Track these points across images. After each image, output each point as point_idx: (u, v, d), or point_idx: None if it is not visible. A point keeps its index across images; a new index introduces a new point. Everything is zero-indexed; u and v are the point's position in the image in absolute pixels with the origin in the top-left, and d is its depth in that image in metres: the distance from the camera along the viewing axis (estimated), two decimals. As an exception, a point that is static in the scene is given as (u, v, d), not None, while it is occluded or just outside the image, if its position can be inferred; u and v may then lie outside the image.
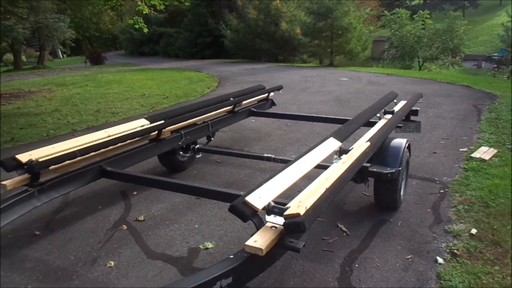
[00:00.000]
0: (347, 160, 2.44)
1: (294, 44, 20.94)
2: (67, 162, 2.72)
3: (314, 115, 5.06)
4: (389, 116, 3.67)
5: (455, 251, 2.57)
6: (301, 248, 1.71)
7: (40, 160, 2.58)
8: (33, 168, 2.52)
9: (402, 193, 3.21)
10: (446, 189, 3.56)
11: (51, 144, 2.89)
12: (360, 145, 2.75)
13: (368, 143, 2.74)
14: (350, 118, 3.71)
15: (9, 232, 3.02)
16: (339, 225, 2.94)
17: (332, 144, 2.70)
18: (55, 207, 3.46)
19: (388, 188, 3.00)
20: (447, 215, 3.08)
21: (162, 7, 10.38)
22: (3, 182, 2.48)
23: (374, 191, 3.11)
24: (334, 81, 11.44)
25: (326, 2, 17.18)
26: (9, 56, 29.11)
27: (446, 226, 2.90)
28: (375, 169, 2.80)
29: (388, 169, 2.83)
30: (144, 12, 10.69)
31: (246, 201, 1.82)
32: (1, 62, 32.34)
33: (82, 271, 2.47)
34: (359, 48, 18.70)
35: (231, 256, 1.69)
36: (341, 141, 2.80)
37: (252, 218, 1.82)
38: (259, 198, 1.87)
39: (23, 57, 29.18)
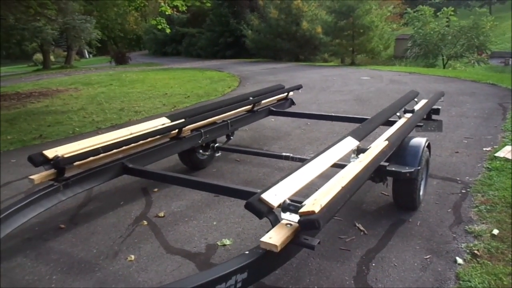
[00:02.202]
0: (364, 159, 2.44)
1: (315, 43, 20.84)
2: (91, 158, 2.82)
3: (333, 114, 5.04)
4: (409, 115, 3.64)
5: (476, 251, 2.53)
6: (316, 245, 1.72)
7: (66, 156, 2.68)
8: (59, 163, 2.62)
9: (421, 192, 3.18)
10: (468, 189, 3.50)
11: (77, 141, 3.00)
12: (378, 144, 2.74)
13: (386, 142, 2.73)
14: (370, 118, 3.69)
15: (36, 225, 3.15)
16: (357, 224, 2.93)
17: (350, 143, 2.70)
18: (79, 202, 3.58)
19: (407, 188, 2.98)
20: (468, 216, 3.03)
21: (184, 8, 10.53)
22: (31, 177, 2.59)
23: (392, 191, 3.09)
24: (355, 80, 11.34)
25: (347, 1, 17.02)
26: (38, 56, 30.11)
27: (466, 227, 2.86)
28: (393, 168, 2.78)
29: (407, 168, 2.81)
30: (167, 13, 10.88)
31: (262, 198, 1.85)
32: (31, 62, 33.47)
33: (104, 264, 2.56)
34: (381, 47, 18.45)
35: (247, 252, 1.72)
36: (359, 140, 2.80)
37: (268, 215, 1.85)
38: (274, 196, 1.90)
39: (52, 57, 30.08)
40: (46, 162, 2.65)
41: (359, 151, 2.71)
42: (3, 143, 6.05)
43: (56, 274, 2.48)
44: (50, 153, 2.67)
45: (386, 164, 2.76)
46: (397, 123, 3.42)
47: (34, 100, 10.45)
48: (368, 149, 2.70)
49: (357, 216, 3.08)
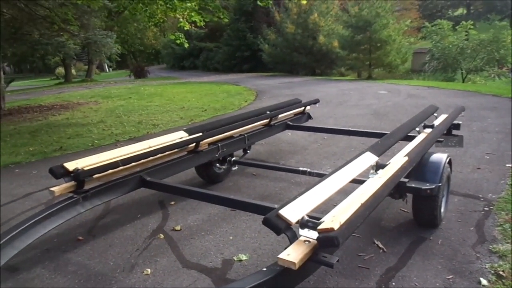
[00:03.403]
0: (383, 175, 2.40)
1: (332, 58, 20.86)
2: (110, 171, 2.85)
3: (351, 129, 5.01)
4: (428, 130, 3.58)
5: (501, 272, 2.44)
6: (334, 263, 1.69)
7: (86, 168, 2.72)
8: (79, 176, 2.65)
9: (442, 210, 3.10)
10: (491, 207, 3.40)
11: (96, 153, 3.04)
12: (398, 160, 2.69)
13: (406, 158, 2.68)
14: (388, 132, 3.64)
15: (55, 236, 3.19)
16: (376, 242, 2.87)
17: (369, 159, 2.67)
18: (97, 214, 3.62)
19: (427, 205, 2.91)
20: (492, 234, 2.94)
21: (202, 23, 10.69)
22: (52, 189, 2.63)
23: (412, 208, 3.03)
24: (373, 94, 11.27)
25: (364, 15, 17.04)
26: (60, 70, 30.92)
27: (490, 246, 2.77)
28: (413, 185, 2.73)
29: (427, 184, 2.75)
30: (185, 28, 11.05)
31: (280, 214, 1.84)
32: (53, 75, 34.40)
33: (121, 277, 2.56)
34: (399, 61, 18.32)
35: (264, 269, 1.70)
36: (378, 156, 2.76)
37: (286, 231, 1.83)
38: (292, 212, 1.88)
39: (73, 71, 30.89)
40: (67, 174, 2.69)
41: (378, 166, 2.67)
42: (25, 154, 6.19)
43: (74, 286, 2.49)
44: (70, 165, 2.72)
45: (406, 180, 2.71)
46: (416, 138, 3.36)
47: (56, 113, 10.70)
48: (387, 164, 2.65)
49: (376, 233, 3.02)
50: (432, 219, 2.97)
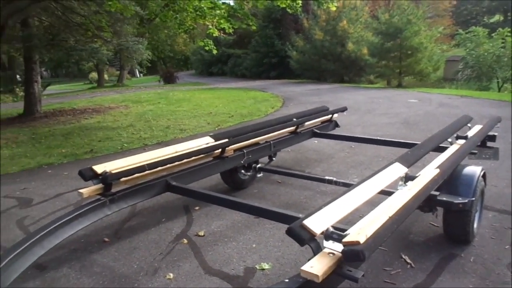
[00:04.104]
0: (413, 188, 2.32)
1: (361, 65, 20.61)
2: (136, 175, 2.89)
3: (379, 138, 4.89)
4: (462, 141, 3.45)
5: (537, 294, 2.31)
6: (360, 278, 1.64)
7: (113, 172, 2.76)
8: (107, 179, 2.70)
9: (475, 226, 2.97)
10: (528, 224, 3.23)
11: (124, 156, 3.10)
12: (428, 172, 2.60)
13: (438, 170, 2.59)
14: (418, 143, 3.54)
15: (82, 237, 3.25)
16: (403, 256, 2.78)
17: (398, 170, 2.59)
18: (124, 216, 3.67)
19: (459, 220, 2.79)
20: (529, 253, 2.79)
21: (231, 30, 10.79)
22: (80, 190, 2.69)
23: (443, 222, 2.91)
24: (402, 103, 11.02)
25: (395, 22, 16.76)
26: (94, 75, 31.96)
27: (527, 266, 2.62)
28: (444, 198, 2.63)
29: (460, 199, 2.64)
30: (214, 35, 11.19)
31: (304, 224, 1.80)
32: (87, 80, 35.57)
33: (143, 280, 2.58)
34: (430, 69, 17.87)
35: (286, 280, 1.66)
36: (408, 167, 2.67)
37: (310, 242, 1.79)
38: (317, 222, 1.83)
39: (106, 76, 31.83)
40: (95, 177, 2.75)
41: (408, 178, 2.58)
42: (58, 155, 6.39)
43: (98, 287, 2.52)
44: (99, 168, 2.77)
45: (437, 193, 2.61)
46: (448, 149, 3.25)
47: (88, 116, 11.02)
48: (417, 176, 2.56)
49: (404, 247, 2.92)
50: (464, 234, 2.85)
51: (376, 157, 5.33)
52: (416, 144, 3.56)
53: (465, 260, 2.73)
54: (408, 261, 2.72)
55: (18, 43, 11.75)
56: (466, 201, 2.61)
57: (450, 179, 2.78)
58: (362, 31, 21.07)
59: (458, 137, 3.55)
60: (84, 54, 11.99)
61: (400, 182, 2.58)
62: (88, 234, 3.31)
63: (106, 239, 3.22)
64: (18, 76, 20.50)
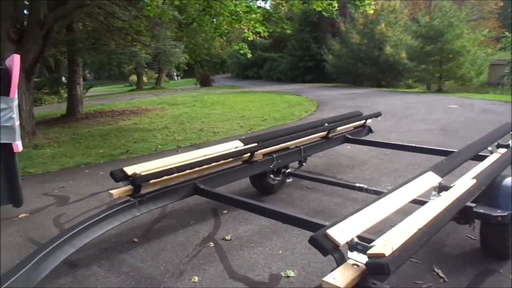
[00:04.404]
0: (446, 198, 2.21)
1: (399, 69, 20.08)
2: (165, 177, 2.93)
3: (414, 145, 4.72)
4: (503, 150, 3.27)
5: None
6: (385, 292, 1.57)
7: (143, 174, 2.82)
8: (136, 181, 2.76)
9: (515, 240, 2.80)
10: None
11: (158, 158, 3.16)
12: (464, 182, 2.47)
13: (474, 180, 2.46)
14: (456, 151, 3.38)
15: (113, 236, 3.33)
16: (436, 270, 2.65)
17: (430, 179, 2.48)
18: (154, 217, 3.74)
19: (497, 233, 2.64)
20: None
21: (265, 34, 10.82)
22: (111, 191, 2.76)
23: (480, 235, 2.76)
24: (442, 108, 10.63)
25: (436, 25, 16.21)
26: (134, 77, 32.98)
27: None
28: (481, 210, 2.49)
29: (499, 211, 2.49)
30: (249, 38, 11.26)
31: (328, 234, 1.75)
32: (127, 82, 36.79)
33: (169, 282, 2.60)
34: (473, 73, 17.13)
35: (308, 290, 1.62)
36: (442, 176, 2.56)
37: (333, 252, 1.74)
38: (341, 233, 1.78)
39: (145, 78, 32.76)
40: (126, 178, 2.81)
41: (441, 188, 2.47)
42: (95, 156, 6.62)
43: (125, 287, 2.57)
44: (129, 170, 2.83)
45: (473, 205, 2.48)
46: (488, 158, 3.08)
47: (125, 118, 11.37)
48: (451, 186, 2.45)
49: (437, 260, 2.79)
50: (503, 249, 2.69)
51: (411, 164, 5.15)
52: (453, 152, 3.41)
53: (503, 276, 2.57)
54: (441, 275, 2.59)
55: (63, 47, 12.33)
56: (506, 214, 2.46)
57: (489, 190, 2.64)
58: (401, 34, 20.54)
59: (499, 146, 3.36)
60: (123, 57, 12.40)
61: (433, 192, 2.47)
62: (119, 233, 3.39)
63: (136, 240, 3.28)
64: (63, 78, 21.44)
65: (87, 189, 4.76)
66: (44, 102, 18.90)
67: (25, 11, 8.40)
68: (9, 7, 7.14)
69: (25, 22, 7.82)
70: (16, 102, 1.60)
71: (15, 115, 1.59)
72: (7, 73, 1.55)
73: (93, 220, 2.48)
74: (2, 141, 1.60)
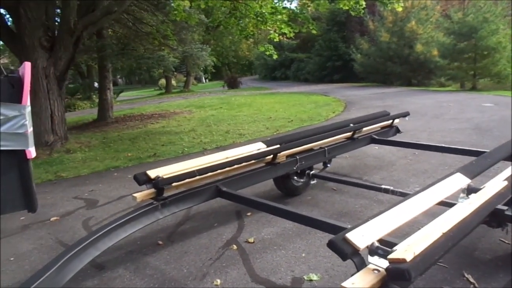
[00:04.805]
0: (475, 201, 2.11)
1: (430, 67, 19.46)
2: (187, 180, 2.95)
3: (444, 145, 4.55)
4: (539, 150, 3.10)
5: None
6: (407, 298, 1.51)
7: (165, 177, 2.85)
8: (159, 184, 2.79)
9: (553, 245, 2.64)
10: None
11: (184, 160, 3.20)
12: (495, 184, 2.36)
13: (506, 182, 2.34)
14: (487, 151, 3.23)
15: (138, 239, 3.39)
16: (466, 275, 2.54)
17: (458, 181, 2.38)
18: (178, 220, 3.78)
19: (532, 238, 2.50)
20: None
21: (291, 34, 10.79)
22: (134, 194, 2.80)
23: (514, 239, 2.63)
24: (475, 107, 10.23)
25: (469, 21, 15.65)
26: (163, 81, 33.64)
27: None
28: (514, 214, 2.36)
29: (533, 214, 2.36)
30: (275, 40, 11.25)
31: (347, 238, 1.70)
32: (157, 86, 37.59)
33: (192, 285, 2.62)
34: (510, 70, 16.40)
35: (326, 296, 1.58)
36: (471, 178, 2.44)
37: (352, 257, 1.69)
38: (362, 236, 1.73)
39: (173, 82, 33.33)
40: (149, 181, 2.85)
41: (470, 190, 2.36)
42: (124, 159, 6.77)
43: (148, 290, 2.60)
44: (152, 173, 2.87)
45: (505, 208, 2.35)
46: (522, 159, 2.93)
47: (154, 121, 11.59)
48: (481, 189, 2.34)
49: (467, 264, 2.67)
50: (539, 254, 2.55)
51: (441, 165, 4.97)
52: (484, 152, 3.27)
53: (539, 283, 2.43)
54: (472, 280, 2.48)
55: (94, 53, 12.74)
56: (541, 217, 2.32)
57: (522, 192, 2.50)
58: (432, 31, 19.92)
59: (534, 146, 3.19)
60: (151, 61, 12.68)
61: (462, 195, 2.37)
62: (144, 236, 3.44)
63: (160, 242, 3.32)
64: (95, 84, 22.16)
65: (115, 192, 4.87)
66: (77, 108, 19.57)
67: (57, 19, 8.71)
68: (41, 16, 7.43)
69: (56, 31, 8.11)
70: (28, 109, 1.65)
71: (28, 122, 1.64)
72: (19, 81, 1.60)
73: (117, 223, 2.52)
74: (15, 148, 1.66)
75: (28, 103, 1.63)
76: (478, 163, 2.71)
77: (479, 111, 9.45)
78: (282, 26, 10.70)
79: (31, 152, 1.70)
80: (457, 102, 11.57)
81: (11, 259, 3.23)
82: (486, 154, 3.01)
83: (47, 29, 7.65)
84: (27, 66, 1.56)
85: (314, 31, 11.78)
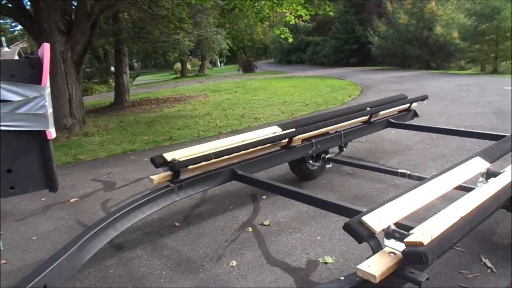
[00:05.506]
0: (494, 185, 2.08)
1: (450, 50, 18.97)
2: (203, 163, 2.97)
3: (462, 129, 4.47)
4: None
5: None
6: (423, 281, 1.51)
7: (181, 160, 2.87)
8: (175, 166, 2.82)
9: None
10: None
11: (200, 144, 3.23)
12: (516, 168, 2.31)
13: (527, 167, 2.29)
14: (508, 135, 3.16)
15: (156, 221, 3.45)
16: (483, 259, 2.52)
17: (478, 165, 2.34)
18: (194, 202, 3.82)
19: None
20: None
21: (307, 17, 10.61)
22: (151, 177, 2.85)
23: (534, 225, 2.59)
24: (496, 91, 9.96)
25: (492, 1, 15.12)
26: (178, 65, 33.67)
27: None
28: (534, 199, 2.32)
29: (554, 200, 2.31)
30: (291, 22, 11.09)
31: (363, 221, 1.70)
32: (172, 70, 37.67)
33: (208, 266, 2.66)
34: (534, 52, 15.89)
35: (342, 278, 1.59)
36: (490, 162, 2.40)
37: (369, 240, 1.69)
38: (378, 219, 1.72)
39: (189, 66, 33.32)
40: (165, 164, 2.88)
41: (489, 174, 2.32)
42: (140, 142, 6.85)
43: (166, 270, 2.66)
44: (169, 156, 2.90)
45: (525, 192, 2.31)
46: (544, 143, 2.86)
47: (170, 105, 11.65)
48: (501, 173, 2.29)
49: (485, 249, 2.65)
50: (559, 240, 2.50)
51: (459, 149, 4.89)
52: (505, 136, 3.20)
53: (558, 269, 2.39)
54: (489, 265, 2.46)
55: (110, 37, 12.79)
56: (562, 203, 2.28)
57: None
58: (453, 12, 19.36)
59: (558, 129, 3.11)
60: (166, 45, 12.66)
61: (481, 179, 2.33)
62: (162, 218, 3.50)
63: (177, 224, 3.37)
64: (112, 68, 22.31)
65: (132, 175, 4.95)
66: (95, 92, 19.80)
67: (74, 3, 8.74)
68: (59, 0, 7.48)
69: (73, 14, 8.15)
70: (48, 90, 1.67)
71: (48, 103, 1.66)
72: (39, 62, 1.62)
73: (135, 205, 2.57)
74: (36, 129, 1.69)
75: (48, 84, 1.65)
76: (498, 147, 2.65)
77: (500, 95, 9.20)
78: (298, 8, 10.52)
79: (52, 133, 1.73)
80: (477, 85, 11.28)
81: (33, 238, 3.33)
82: (507, 138, 2.95)
83: (64, 13, 7.69)
84: (46, 47, 1.58)
85: (331, 13, 11.56)
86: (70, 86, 7.71)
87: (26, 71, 1.65)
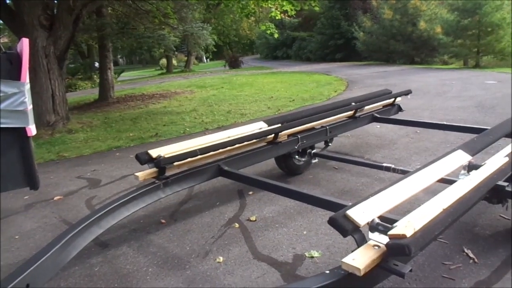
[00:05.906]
0: (475, 177, 2.12)
1: (434, 45, 19.22)
2: (189, 159, 2.96)
3: (445, 123, 4.54)
4: (541, 127, 3.09)
5: None
6: (406, 273, 1.53)
7: (167, 156, 2.86)
8: (160, 163, 2.80)
9: (553, 221, 2.66)
10: None
11: (186, 140, 3.21)
12: (496, 160, 2.36)
13: (507, 159, 2.34)
14: (489, 128, 3.22)
15: (141, 218, 3.43)
16: (466, 250, 2.57)
17: (460, 158, 2.38)
18: (181, 198, 3.81)
19: (533, 214, 2.52)
20: None
21: (293, 12, 10.61)
22: (137, 174, 2.82)
23: (514, 216, 2.65)
24: (478, 85, 10.14)
25: (473, -4, 15.36)
26: (164, 61, 33.33)
27: None
28: (514, 190, 2.37)
29: (534, 191, 2.36)
30: (277, 17, 11.08)
31: (348, 215, 1.71)
32: (158, 66, 37.31)
33: (194, 263, 2.66)
34: (514, 47, 16.19)
35: (327, 272, 1.61)
36: (472, 155, 2.45)
37: (353, 233, 1.71)
38: (362, 213, 1.74)
39: (174, 62, 33.02)
40: (150, 160, 2.86)
41: (471, 167, 2.37)
42: (126, 139, 6.79)
43: (152, 267, 2.64)
44: (154, 152, 2.88)
45: (505, 184, 2.36)
46: (524, 136, 2.92)
47: (155, 101, 11.55)
48: (482, 165, 2.34)
49: (467, 240, 2.70)
50: (538, 230, 2.57)
51: (443, 143, 4.97)
52: (486, 129, 3.26)
53: (538, 259, 2.45)
54: (471, 255, 2.51)
55: (94, 32, 12.59)
56: (541, 193, 2.33)
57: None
58: (436, 8, 19.61)
59: (537, 122, 3.18)
60: (151, 41, 12.52)
61: (463, 171, 2.38)
62: (148, 215, 3.48)
63: (163, 221, 3.36)
64: (96, 64, 21.96)
65: (117, 172, 4.90)
66: (78, 88, 19.49)
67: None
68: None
69: (55, 9, 7.99)
70: (27, 86, 1.64)
71: (27, 99, 1.63)
72: (18, 58, 1.58)
73: (120, 202, 2.55)
74: (15, 126, 1.65)
75: (27, 80, 1.61)
76: (479, 140, 2.70)
77: (482, 89, 9.38)
78: (284, 3, 10.52)
79: (32, 129, 1.69)
80: (460, 79, 11.47)
81: (16, 237, 3.27)
82: (487, 131, 3.00)
83: (46, 7, 7.53)
84: (25, 42, 1.54)
85: (316, 8, 11.61)
86: (53, 82, 7.57)
87: (4, 67, 1.62)
